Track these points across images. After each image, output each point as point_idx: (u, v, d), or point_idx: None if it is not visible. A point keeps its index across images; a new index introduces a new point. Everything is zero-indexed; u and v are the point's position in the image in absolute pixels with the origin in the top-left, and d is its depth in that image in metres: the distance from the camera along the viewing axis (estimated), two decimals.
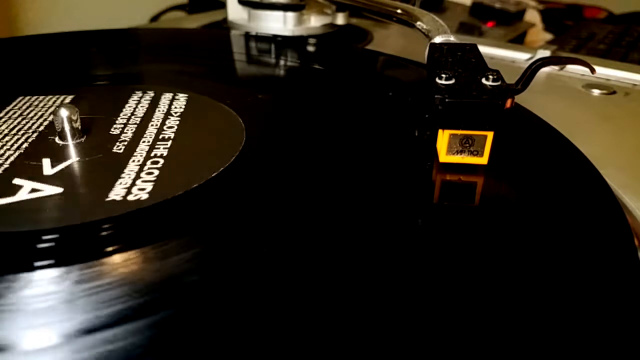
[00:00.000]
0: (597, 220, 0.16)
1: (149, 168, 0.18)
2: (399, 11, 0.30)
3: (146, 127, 0.22)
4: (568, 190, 0.18)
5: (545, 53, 0.38)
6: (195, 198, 0.17)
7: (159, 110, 0.23)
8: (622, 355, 0.11)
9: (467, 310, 0.13)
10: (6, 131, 0.21)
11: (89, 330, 0.12)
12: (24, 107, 0.23)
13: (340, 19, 0.45)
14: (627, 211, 0.20)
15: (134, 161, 0.19)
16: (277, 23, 0.42)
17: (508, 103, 0.18)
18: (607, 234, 0.16)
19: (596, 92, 0.33)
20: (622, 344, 0.12)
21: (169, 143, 0.20)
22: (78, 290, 0.13)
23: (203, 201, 0.17)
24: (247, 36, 0.39)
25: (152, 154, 0.19)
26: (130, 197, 0.17)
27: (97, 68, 0.31)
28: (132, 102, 0.24)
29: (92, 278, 0.13)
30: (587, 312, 0.13)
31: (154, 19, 0.62)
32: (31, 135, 0.21)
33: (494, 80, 0.19)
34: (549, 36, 0.60)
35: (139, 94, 0.25)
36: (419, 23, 0.27)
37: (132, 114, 0.23)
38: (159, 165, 0.19)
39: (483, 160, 0.19)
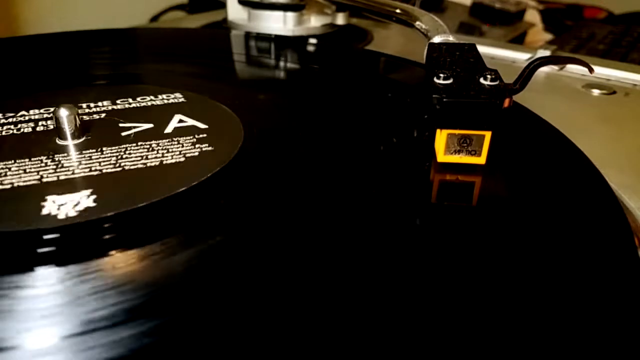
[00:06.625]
0: (597, 220, 0.16)
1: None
2: (398, 11, 0.30)
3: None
4: (568, 190, 0.18)
5: (545, 53, 0.38)
6: (193, 197, 0.17)
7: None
8: (622, 355, 0.11)
9: (466, 310, 0.13)
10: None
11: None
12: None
13: (340, 19, 0.45)
14: (627, 211, 0.20)
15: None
16: (277, 23, 0.42)
17: (506, 103, 0.18)
18: (607, 234, 0.16)
19: (596, 92, 0.33)
20: (622, 343, 0.12)
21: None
22: (81, 290, 0.13)
23: (200, 200, 0.17)
24: (247, 36, 0.39)
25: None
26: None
27: (96, 68, 0.31)
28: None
29: (93, 277, 0.13)
30: (587, 312, 0.13)
31: (154, 19, 0.62)
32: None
33: (492, 80, 0.19)
34: (549, 36, 0.60)
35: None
36: (418, 23, 0.27)
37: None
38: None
39: (481, 160, 0.19)
